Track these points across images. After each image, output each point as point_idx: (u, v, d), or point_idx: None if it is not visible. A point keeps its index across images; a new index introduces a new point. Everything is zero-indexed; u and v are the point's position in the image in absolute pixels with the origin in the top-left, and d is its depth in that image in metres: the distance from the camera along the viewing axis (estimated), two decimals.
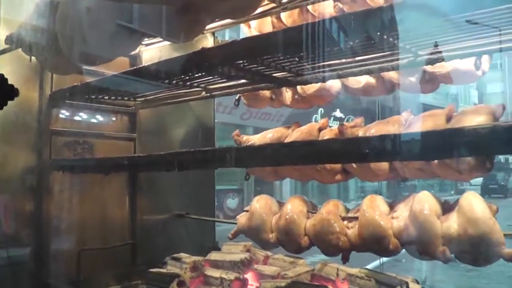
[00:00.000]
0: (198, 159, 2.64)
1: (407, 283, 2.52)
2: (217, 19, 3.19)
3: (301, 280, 2.74)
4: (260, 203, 3.06)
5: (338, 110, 22.06)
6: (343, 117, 21.49)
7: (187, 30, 2.56)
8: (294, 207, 2.87)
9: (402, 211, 2.50)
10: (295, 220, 2.81)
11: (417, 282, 2.67)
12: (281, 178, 3.45)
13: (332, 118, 21.75)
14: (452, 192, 26.80)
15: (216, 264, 3.09)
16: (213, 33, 4.10)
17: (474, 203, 2.24)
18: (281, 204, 3.09)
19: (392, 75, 2.89)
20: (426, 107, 2.76)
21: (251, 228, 3.07)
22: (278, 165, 3.03)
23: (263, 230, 2.99)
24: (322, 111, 19.66)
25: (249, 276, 2.96)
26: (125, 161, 3.24)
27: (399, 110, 2.82)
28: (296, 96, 3.33)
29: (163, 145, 3.96)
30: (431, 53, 2.40)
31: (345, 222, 2.67)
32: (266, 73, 2.77)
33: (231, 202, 18.92)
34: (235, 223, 3.24)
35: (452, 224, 2.27)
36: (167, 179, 4.01)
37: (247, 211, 3.15)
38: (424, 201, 2.38)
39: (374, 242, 2.56)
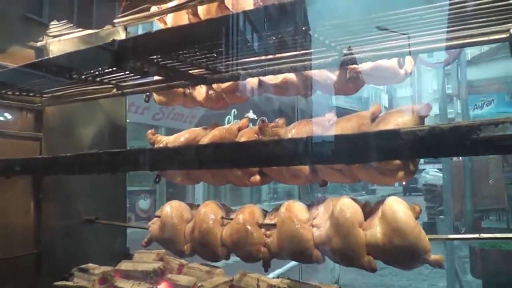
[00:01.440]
0: (105, 162, 2.47)
1: None
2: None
3: None
4: (170, 211, 2.96)
5: (251, 111, 22.13)
6: (256, 118, 21.58)
7: (101, 15, 2.38)
8: (207, 215, 2.79)
9: (322, 219, 2.44)
10: (209, 231, 2.74)
11: None
12: (195, 182, 3.33)
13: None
14: (363, 192, 27.47)
15: (127, 275, 2.95)
16: (125, 27, 3.91)
17: (398, 211, 2.17)
18: (193, 208, 3.00)
19: (314, 72, 2.81)
20: (339, 110, 2.70)
21: (164, 239, 2.97)
22: (200, 168, 2.92)
23: (177, 241, 2.90)
24: (236, 112, 19.71)
25: (162, 286, 2.84)
26: (28, 163, 3.03)
27: (311, 112, 2.76)
28: (210, 93, 3.22)
29: (71, 145, 3.74)
30: (356, 52, 2.34)
31: (263, 229, 2.59)
32: (181, 69, 2.62)
33: (143, 203, 18.72)
34: (147, 228, 3.10)
35: (376, 232, 2.22)
36: (74, 182, 3.79)
37: (158, 216, 3.02)
38: (345, 210, 2.31)
39: (295, 254, 2.51)
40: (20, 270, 3.44)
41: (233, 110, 19.99)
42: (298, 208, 2.53)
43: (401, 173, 2.31)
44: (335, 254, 2.35)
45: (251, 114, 21.80)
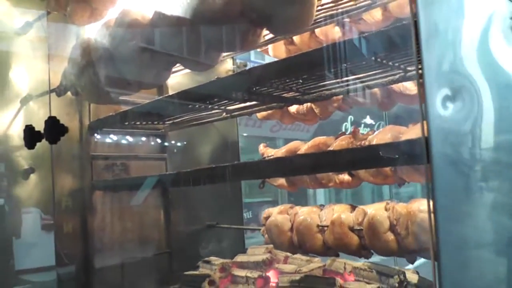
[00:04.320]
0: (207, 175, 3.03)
1: (404, 273, 2.81)
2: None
3: (313, 274, 3.06)
4: (272, 227, 3.32)
5: (368, 116, 21.94)
6: (374, 123, 21.38)
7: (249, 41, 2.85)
8: (304, 229, 3.11)
9: (403, 226, 2.64)
10: (313, 245, 3.05)
11: (417, 273, 2.95)
12: (294, 187, 3.70)
13: (362, 125, 21.70)
14: None
15: (242, 265, 3.42)
16: (233, 58, 4.46)
17: None
18: (289, 211, 3.34)
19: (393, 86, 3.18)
20: None
21: (278, 247, 3.42)
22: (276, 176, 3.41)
23: (289, 250, 3.30)
24: (352, 118, 19.67)
25: (270, 274, 3.28)
26: (158, 178, 3.64)
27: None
28: (301, 106, 3.61)
29: (191, 162, 4.32)
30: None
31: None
32: (275, 94, 3.12)
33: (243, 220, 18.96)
34: (259, 229, 3.59)
35: None
36: (197, 193, 4.37)
37: (264, 224, 3.46)
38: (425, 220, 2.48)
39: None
40: (156, 266, 4.08)
41: (350, 116, 19.94)
42: (379, 221, 2.73)
43: None
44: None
45: (368, 120, 21.66)
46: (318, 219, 3.13)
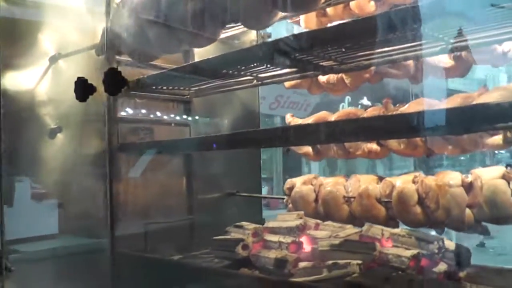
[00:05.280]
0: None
1: (442, 239, 2.85)
2: None
3: (352, 239, 3.09)
4: (297, 199, 3.34)
5: (365, 97, 21.97)
6: (370, 104, 21.37)
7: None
8: (331, 202, 3.12)
9: (432, 200, 2.67)
10: (340, 216, 3.09)
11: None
12: (319, 156, 3.68)
13: (359, 106, 21.73)
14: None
15: (273, 231, 3.43)
16: None
17: (498, 193, 2.40)
18: (312, 181, 3.36)
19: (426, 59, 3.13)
20: (454, 93, 2.96)
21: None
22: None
23: (314, 218, 3.39)
24: (350, 99, 19.71)
25: (303, 239, 3.31)
26: (180, 143, 3.65)
27: (426, 97, 3.06)
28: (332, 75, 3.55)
29: (214, 129, 4.41)
30: (461, 41, 2.72)
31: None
32: (314, 62, 3.12)
33: (262, 191, 19.15)
34: (283, 198, 3.61)
35: (483, 212, 2.49)
36: (217, 162, 4.41)
37: (288, 195, 3.46)
38: (451, 197, 2.59)
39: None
40: (179, 231, 4.15)
41: (347, 97, 19.96)
42: (408, 194, 2.74)
43: (498, 139, 2.53)
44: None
45: (365, 101, 21.65)
46: (343, 190, 3.14)
